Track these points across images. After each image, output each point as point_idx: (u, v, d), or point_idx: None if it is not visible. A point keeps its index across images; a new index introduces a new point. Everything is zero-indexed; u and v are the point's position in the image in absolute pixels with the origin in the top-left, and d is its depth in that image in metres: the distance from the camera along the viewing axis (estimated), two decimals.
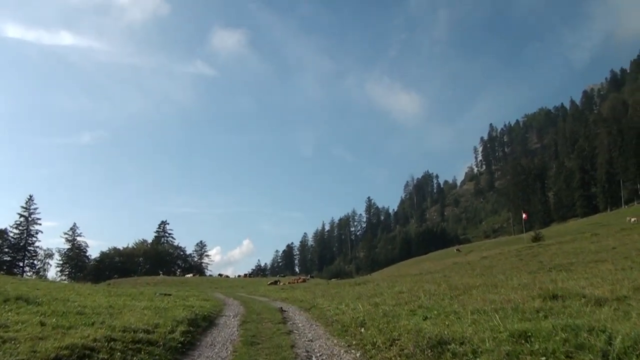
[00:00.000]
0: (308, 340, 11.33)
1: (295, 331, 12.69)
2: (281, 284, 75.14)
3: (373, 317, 12.37)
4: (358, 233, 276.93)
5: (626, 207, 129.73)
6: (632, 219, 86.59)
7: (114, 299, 19.69)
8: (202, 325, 13.13)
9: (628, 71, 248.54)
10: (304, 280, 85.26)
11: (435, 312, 12.23)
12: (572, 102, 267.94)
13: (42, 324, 9.72)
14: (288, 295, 28.23)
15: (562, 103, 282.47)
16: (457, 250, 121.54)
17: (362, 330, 11.23)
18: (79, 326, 9.94)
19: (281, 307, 18.73)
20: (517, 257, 40.22)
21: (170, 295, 25.36)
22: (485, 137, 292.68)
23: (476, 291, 18.53)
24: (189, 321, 12.62)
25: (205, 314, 15.13)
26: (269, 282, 79.70)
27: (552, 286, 16.15)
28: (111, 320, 11.07)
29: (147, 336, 9.62)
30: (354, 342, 10.49)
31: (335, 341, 11.08)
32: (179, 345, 9.99)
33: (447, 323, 10.70)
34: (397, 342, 9.61)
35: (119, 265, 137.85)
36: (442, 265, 49.19)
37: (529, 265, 33.19)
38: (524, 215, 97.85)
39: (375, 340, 9.96)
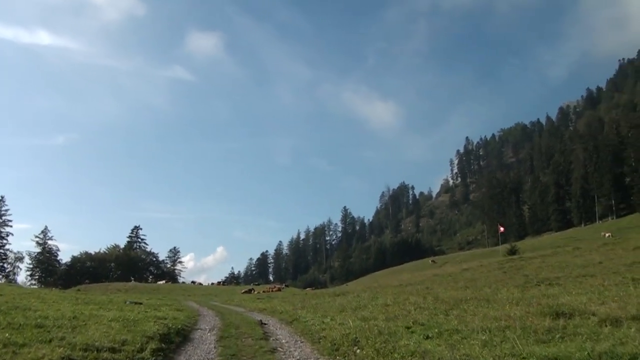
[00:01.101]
0: None
1: (280, 349, 11.43)
2: (255, 292, 73.58)
3: (367, 335, 11.19)
4: (333, 242, 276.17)
5: (600, 222, 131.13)
6: (607, 234, 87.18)
7: (81, 307, 18.19)
8: (175, 341, 11.74)
9: (604, 89, 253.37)
10: (279, 289, 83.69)
11: (435, 330, 11.11)
12: (548, 118, 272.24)
13: None
14: (266, 306, 26.90)
15: (538, 119, 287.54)
16: (432, 261, 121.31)
17: (357, 350, 10.04)
18: (34, 343, 8.56)
19: (261, 320, 17.42)
20: (500, 270, 39.47)
21: (141, 304, 23.88)
22: (462, 150, 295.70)
23: (467, 305, 17.53)
24: (160, 336, 11.26)
25: (179, 327, 13.74)
26: (242, 291, 78.07)
27: (549, 302, 15.21)
28: (73, 336, 9.68)
29: (113, 356, 8.30)
30: None
31: None
32: None
33: (451, 343, 9.59)
34: None
35: (90, 270, 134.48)
36: (421, 277, 48.27)
37: (514, 278, 32.41)
38: (500, 228, 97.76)
39: None
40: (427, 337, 10.33)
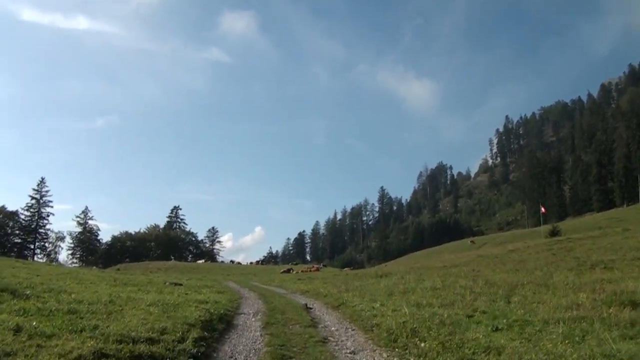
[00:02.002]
0: (350, 353, 9.14)
1: (331, 338, 10.49)
2: (294, 272, 73.25)
3: (427, 324, 10.17)
4: (370, 222, 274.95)
5: None
6: None
7: (118, 289, 17.61)
8: (218, 328, 10.90)
9: None
10: (317, 269, 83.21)
11: (503, 320, 9.99)
12: (590, 95, 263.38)
13: (17, 330, 7.56)
14: (308, 288, 26.08)
15: (579, 96, 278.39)
16: (471, 242, 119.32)
17: (419, 342, 9.03)
18: (64, 333, 7.75)
19: (306, 304, 16.54)
20: (549, 252, 37.75)
21: (181, 285, 23.34)
22: (501, 129, 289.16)
23: (524, 291, 16.36)
24: (202, 323, 10.44)
25: (222, 312, 12.94)
26: (281, 270, 77.83)
27: (614, 288, 13.91)
28: (107, 324, 8.90)
29: (151, 348, 7.44)
30: (412, 359, 8.29)
31: (385, 355, 8.87)
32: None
33: (526, 337, 8.49)
34: None
35: (130, 249, 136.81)
36: (465, 258, 46.78)
37: (565, 261, 30.82)
38: (542, 209, 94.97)
39: (443, 359, 7.76)
40: (496, 329, 9.24)
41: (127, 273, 41.91)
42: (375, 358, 8.74)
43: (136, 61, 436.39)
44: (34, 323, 8.18)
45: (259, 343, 9.74)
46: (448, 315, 11.24)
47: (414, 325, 10.22)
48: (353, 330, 11.70)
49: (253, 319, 13.00)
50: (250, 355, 8.73)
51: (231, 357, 8.58)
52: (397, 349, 9.10)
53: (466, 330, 9.39)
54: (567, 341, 7.78)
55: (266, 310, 14.84)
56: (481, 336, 8.64)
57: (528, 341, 8.07)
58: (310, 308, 15.86)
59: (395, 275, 32.92)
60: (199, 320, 10.53)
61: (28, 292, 12.39)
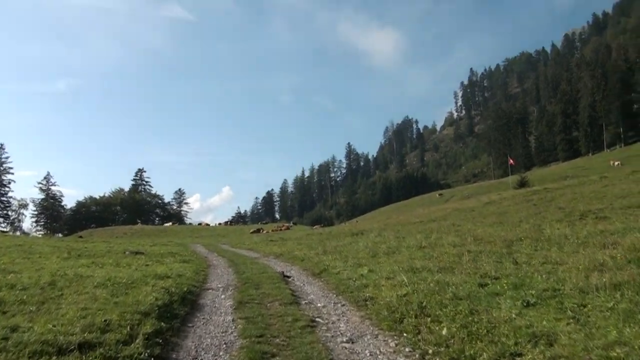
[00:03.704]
0: (347, 341, 7.26)
1: (319, 320, 8.62)
2: (264, 232, 71.75)
3: (437, 299, 8.36)
4: (338, 179, 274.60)
5: (608, 150, 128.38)
6: (616, 163, 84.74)
7: (69, 263, 15.41)
8: (179, 313, 8.80)
9: (610, 14, 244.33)
10: (288, 228, 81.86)
11: (530, 291, 8.19)
12: (554, 46, 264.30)
13: None
14: (281, 250, 24.23)
15: (543, 47, 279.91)
16: (439, 195, 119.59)
17: (432, 324, 7.20)
18: None
19: (283, 272, 14.64)
20: (528, 203, 36.54)
21: (142, 254, 21.19)
22: (466, 82, 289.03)
23: (524, 248, 14.79)
24: (159, 309, 8.37)
25: (185, 289, 10.85)
26: (251, 230, 76.23)
27: (627, 241, 12.36)
28: (33, 322, 6.83)
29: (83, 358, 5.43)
30: (430, 351, 6.43)
31: (393, 344, 7.01)
32: None
33: (574, 317, 6.68)
34: None
35: (96, 214, 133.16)
36: (441, 212, 45.54)
37: (549, 212, 29.53)
38: (510, 160, 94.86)
39: (475, 353, 5.91)
40: (527, 304, 7.43)
41: (88, 241, 39.42)
42: (381, 348, 6.87)
43: (95, 20, 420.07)
44: None
45: (231, 333, 7.76)
46: (455, 283, 9.46)
47: (420, 300, 8.40)
48: (343, 305, 9.85)
49: (223, 296, 11.00)
50: (220, 353, 6.74)
51: (195, 359, 6.58)
52: (405, 334, 7.27)
53: (489, 306, 7.58)
54: (631, 322, 6.00)
55: (238, 283, 12.83)
56: (514, 315, 6.83)
57: (576, 322, 6.28)
58: (288, 277, 13.99)
59: (371, 232, 31.33)
60: (155, 306, 8.45)
61: None
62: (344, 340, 7.32)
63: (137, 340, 6.47)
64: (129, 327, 6.92)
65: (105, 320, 6.99)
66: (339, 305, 9.92)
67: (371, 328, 8.01)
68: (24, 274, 11.69)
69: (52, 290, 9.45)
